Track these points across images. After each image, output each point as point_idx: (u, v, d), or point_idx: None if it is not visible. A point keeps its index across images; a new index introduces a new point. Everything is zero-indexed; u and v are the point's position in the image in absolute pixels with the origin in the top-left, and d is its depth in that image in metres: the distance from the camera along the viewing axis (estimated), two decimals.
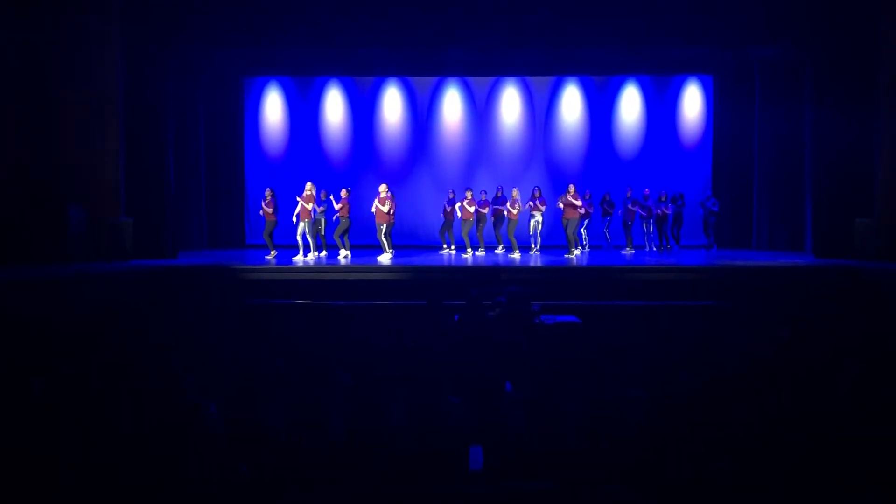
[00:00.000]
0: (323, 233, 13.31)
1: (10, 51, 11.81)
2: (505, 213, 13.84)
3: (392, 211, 12.92)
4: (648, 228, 15.00)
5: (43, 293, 9.55)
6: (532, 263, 12.45)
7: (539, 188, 14.10)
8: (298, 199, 12.80)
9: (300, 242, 12.80)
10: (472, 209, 13.56)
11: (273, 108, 16.65)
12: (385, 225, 12.84)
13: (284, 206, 13.73)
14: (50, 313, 8.18)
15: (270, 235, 13.24)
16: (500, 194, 14.12)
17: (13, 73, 11.86)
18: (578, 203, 13.50)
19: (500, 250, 14.12)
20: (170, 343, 5.04)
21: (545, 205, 13.93)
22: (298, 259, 12.59)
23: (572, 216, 13.46)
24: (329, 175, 16.19)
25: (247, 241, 16.03)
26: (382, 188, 12.94)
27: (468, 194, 13.64)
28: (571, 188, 13.59)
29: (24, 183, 11.90)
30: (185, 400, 3.21)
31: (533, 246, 14.06)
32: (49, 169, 12.04)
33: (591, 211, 14.67)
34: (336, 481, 3.19)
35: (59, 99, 12.10)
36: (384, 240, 12.82)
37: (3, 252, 11.18)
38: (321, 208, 13.12)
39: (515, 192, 13.83)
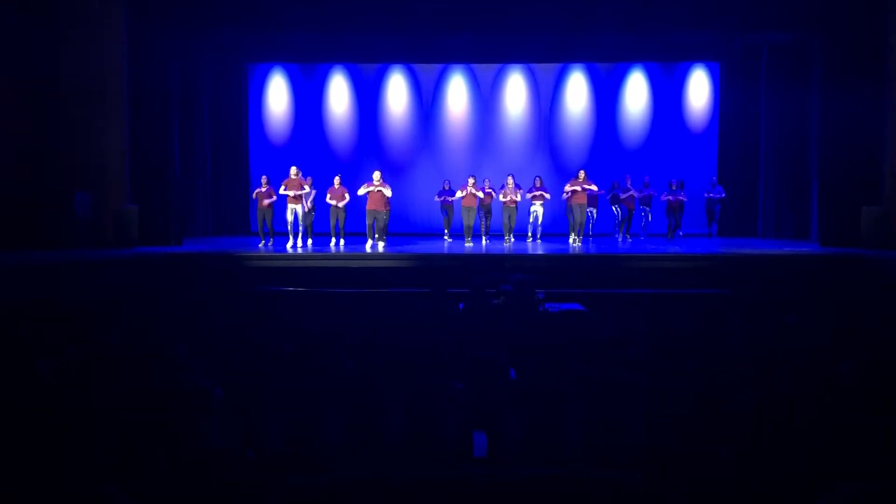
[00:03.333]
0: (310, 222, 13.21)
1: (14, 38, 11.80)
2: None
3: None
4: (647, 216, 15.01)
5: (49, 279, 9.59)
6: (536, 252, 12.43)
7: (540, 177, 13.99)
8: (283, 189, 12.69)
9: (290, 230, 12.77)
10: (475, 196, 13.48)
11: (277, 95, 16.63)
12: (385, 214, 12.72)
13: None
14: (55, 299, 8.21)
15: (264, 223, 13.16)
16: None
17: (18, 61, 11.85)
18: (594, 187, 13.50)
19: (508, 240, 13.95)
20: (175, 329, 5.05)
21: (549, 193, 13.79)
22: (289, 245, 12.62)
23: (581, 201, 13.39)
24: (333, 162, 16.19)
25: (252, 228, 16.03)
26: (377, 175, 12.77)
27: (470, 181, 13.56)
28: (582, 174, 13.49)
29: (30, 170, 11.92)
30: (190, 384, 3.22)
31: (529, 236, 13.88)
32: (54, 156, 12.06)
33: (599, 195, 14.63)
34: (339, 465, 3.21)
35: (63, 86, 12.10)
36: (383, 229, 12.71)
37: (10, 238, 11.22)
38: (309, 188, 12.99)
39: (510, 181, 13.49)
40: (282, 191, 12.70)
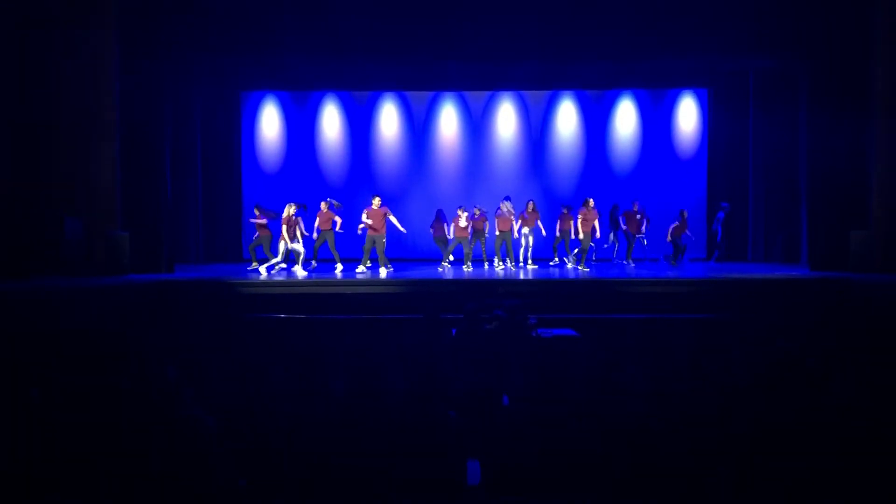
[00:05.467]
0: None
1: (6, 64, 11.85)
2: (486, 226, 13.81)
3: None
4: (643, 242, 15.07)
5: (39, 306, 9.53)
6: (529, 277, 12.46)
7: (533, 202, 14.07)
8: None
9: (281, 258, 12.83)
10: (463, 226, 13.52)
11: (270, 122, 16.71)
12: (382, 239, 12.82)
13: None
14: (46, 326, 8.16)
15: (267, 249, 13.29)
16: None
17: (10, 87, 11.89)
18: (597, 215, 13.40)
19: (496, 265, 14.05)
20: (166, 357, 5.03)
21: (538, 217, 13.84)
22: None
23: (588, 230, 13.37)
24: (325, 189, 16.25)
25: (244, 254, 16.00)
26: (376, 201, 12.91)
27: (460, 212, 13.60)
28: (591, 202, 13.48)
29: (21, 196, 11.89)
30: (182, 413, 3.21)
31: (519, 261, 13.86)
32: (45, 182, 12.03)
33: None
34: (331, 495, 3.19)
35: (55, 112, 12.12)
36: (382, 255, 12.81)
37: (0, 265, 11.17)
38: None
39: (504, 206, 13.59)
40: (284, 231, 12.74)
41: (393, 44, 13.35)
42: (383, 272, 12.60)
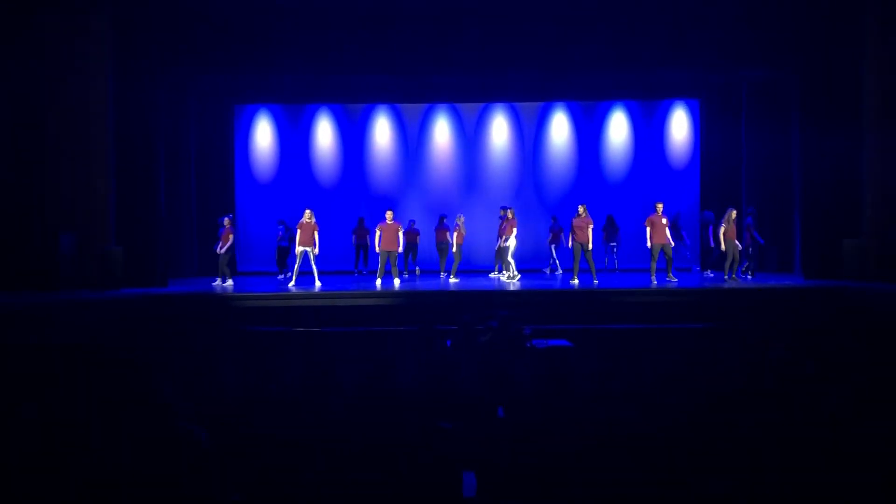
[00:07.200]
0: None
1: (1, 79, 11.86)
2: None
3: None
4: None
5: (33, 321, 9.49)
6: (524, 288, 12.46)
7: (510, 208, 13.75)
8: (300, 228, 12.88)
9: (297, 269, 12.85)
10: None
11: (264, 136, 16.73)
12: (395, 252, 12.94)
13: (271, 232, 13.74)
14: (40, 341, 8.11)
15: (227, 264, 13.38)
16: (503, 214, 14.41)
17: (4, 101, 11.90)
18: (590, 223, 12.70)
19: (495, 274, 14.17)
20: (160, 371, 5.00)
21: (516, 224, 13.57)
22: (291, 284, 12.76)
23: (584, 239, 12.66)
24: (319, 201, 16.26)
25: (238, 268, 15.96)
26: (389, 215, 13.10)
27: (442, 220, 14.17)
28: (581, 209, 12.86)
29: (15, 211, 11.87)
30: (175, 427, 3.19)
31: (504, 272, 13.69)
32: (39, 197, 12.02)
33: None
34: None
35: (49, 126, 12.13)
36: (395, 267, 12.97)
37: None
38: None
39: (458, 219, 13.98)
40: (299, 236, 12.82)
41: (386, 58, 13.42)
42: (396, 283, 12.78)
